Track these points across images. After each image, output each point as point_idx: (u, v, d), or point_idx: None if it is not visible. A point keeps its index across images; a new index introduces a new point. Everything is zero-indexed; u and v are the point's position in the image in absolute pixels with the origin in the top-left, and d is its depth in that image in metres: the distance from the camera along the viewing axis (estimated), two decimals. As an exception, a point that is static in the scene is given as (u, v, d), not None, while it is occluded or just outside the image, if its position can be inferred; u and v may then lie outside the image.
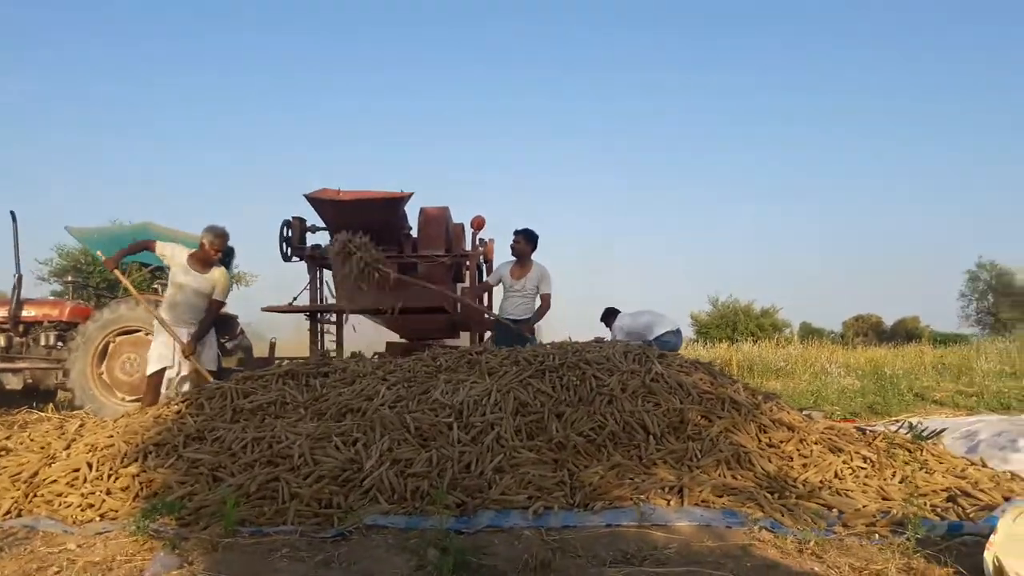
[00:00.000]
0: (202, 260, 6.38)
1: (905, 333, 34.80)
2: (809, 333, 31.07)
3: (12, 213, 8.88)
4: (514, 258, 7.30)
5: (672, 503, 3.75)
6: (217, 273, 6.46)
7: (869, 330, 38.24)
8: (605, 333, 7.92)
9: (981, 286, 41.83)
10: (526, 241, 7.24)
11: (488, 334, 8.50)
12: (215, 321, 7.43)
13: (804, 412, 5.90)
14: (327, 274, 8.24)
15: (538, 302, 7.19)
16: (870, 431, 5.14)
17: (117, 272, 6.68)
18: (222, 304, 6.62)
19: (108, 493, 3.95)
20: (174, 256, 6.38)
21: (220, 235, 6.36)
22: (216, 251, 6.37)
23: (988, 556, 2.84)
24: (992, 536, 2.91)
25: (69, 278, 12.37)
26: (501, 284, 7.43)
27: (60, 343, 8.85)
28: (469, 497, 3.78)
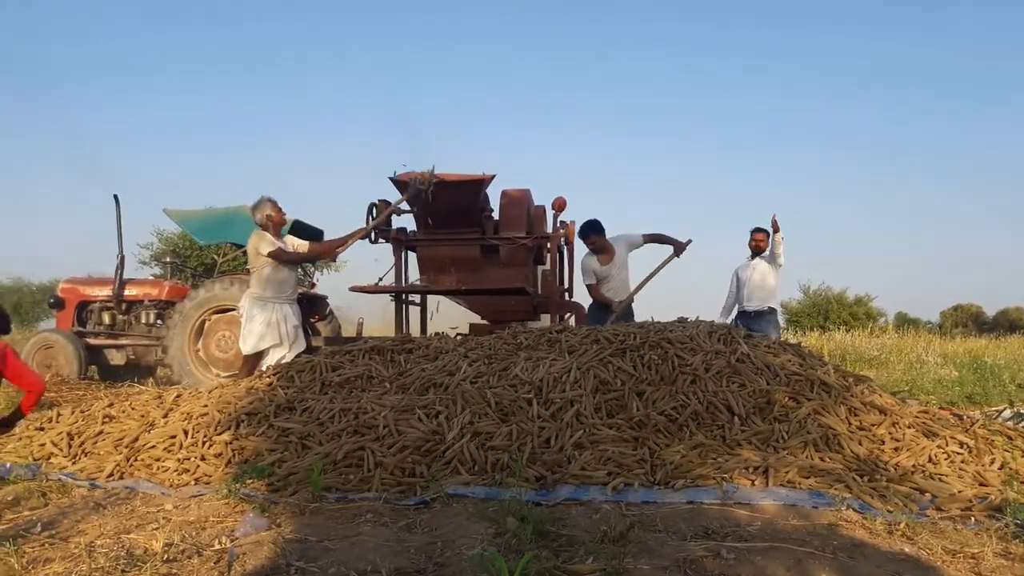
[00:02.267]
0: (276, 232, 6.63)
1: (1008, 324, 33.09)
2: (905, 323, 29.87)
3: (115, 197, 9.34)
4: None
5: (756, 483, 3.67)
6: (294, 241, 6.80)
7: (969, 320, 36.53)
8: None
9: (1093, 273, 39.42)
10: (593, 234, 7.54)
11: (569, 316, 8.49)
12: (305, 300, 7.69)
13: (898, 397, 5.68)
14: (412, 256, 8.35)
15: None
16: (968, 417, 4.92)
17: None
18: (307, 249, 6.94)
19: (202, 459, 4.12)
20: (266, 243, 6.55)
21: (272, 200, 6.60)
22: (281, 213, 6.66)
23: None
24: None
25: (168, 260, 12.91)
26: (597, 277, 7.63)
27: (159, 321, 9.29)
28: (548, 471, 3.79)
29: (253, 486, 3.59)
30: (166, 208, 9.48)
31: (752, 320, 8.01)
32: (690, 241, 7.69)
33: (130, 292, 9.51)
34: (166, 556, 2.65)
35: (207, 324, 8.61)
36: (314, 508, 3.32)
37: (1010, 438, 4.39)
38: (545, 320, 8.60)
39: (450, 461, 3.88)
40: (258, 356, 6.51)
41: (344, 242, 6.97)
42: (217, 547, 2.77)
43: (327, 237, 9.92)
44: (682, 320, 5.84)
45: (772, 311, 8.15)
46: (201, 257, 20.48)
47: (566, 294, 8.87)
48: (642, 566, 2.53)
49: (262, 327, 6.43)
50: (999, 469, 3.92)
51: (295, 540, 2.82)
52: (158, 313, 9.40)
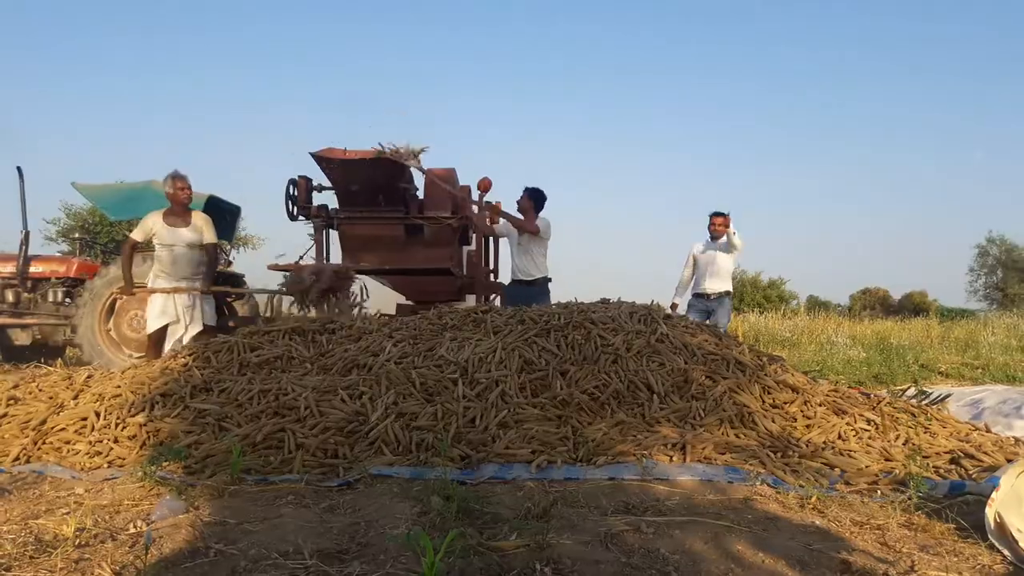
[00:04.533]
0: (177, 212, 6.40)
1: (912, 307, 34.73)
2: (816, 305, 30.96)
3: (18, 168, 8.90)
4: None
5: (675, 459, 3.76)
6: (197, 217, 6.50)
7: (876, 303, 38.19)
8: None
9: (990, 261, 41.68)
10: (528, 198, 7.36)
11: (494, 297, 8.51)
12: (221, 278, 7.47)
13: (809, 376, 5.90)
14: (333, 234, 8.22)
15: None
16: (875, 396, 5.14)
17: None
18: (216, 245, 6.65)
19: (115, 441, 3.98)
20: (152, 225, 6.34)
21: (178, 176, 6.35)
22: (183, 190, 6.38)
23: (989, 512, 2.85)
24: (994, 493, 2.92)
25: (76, 235, 12.38)
26: (509, 238, 7.50)
27: (68, 299, 8.91)
28: (473, 450, 3.80)
29: (169, 468, 3.48)
30: (75, 182, 9.07)
31: (711, 302, 8.19)
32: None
33: (36, 269, 9.07)
34: (78, 541, 2.55)
35: (118, 303, 8.30)
36: (233, 490, 3.24)
37: (914, 415, 4.61)
38: (471, 301, 8.60)
39: (374, 442, 3.84)
40: (161, 334, 6.35)
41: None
42: (132, 531, 2.68)
43: (243, 214, 9.69)
44: (605, 301, 5.93)
45: (728, 294, 8.32)
46: (112, 233, 19.68)
47: (491, 275, 8.89)
48: (565, 541, 2.57)
49: (158, 305, 6.30)
50: (903, 445, 4.11)
51: (214, 523, 2.75)
52: (66, 291, 9.01)
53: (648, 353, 4.74)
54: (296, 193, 8.04)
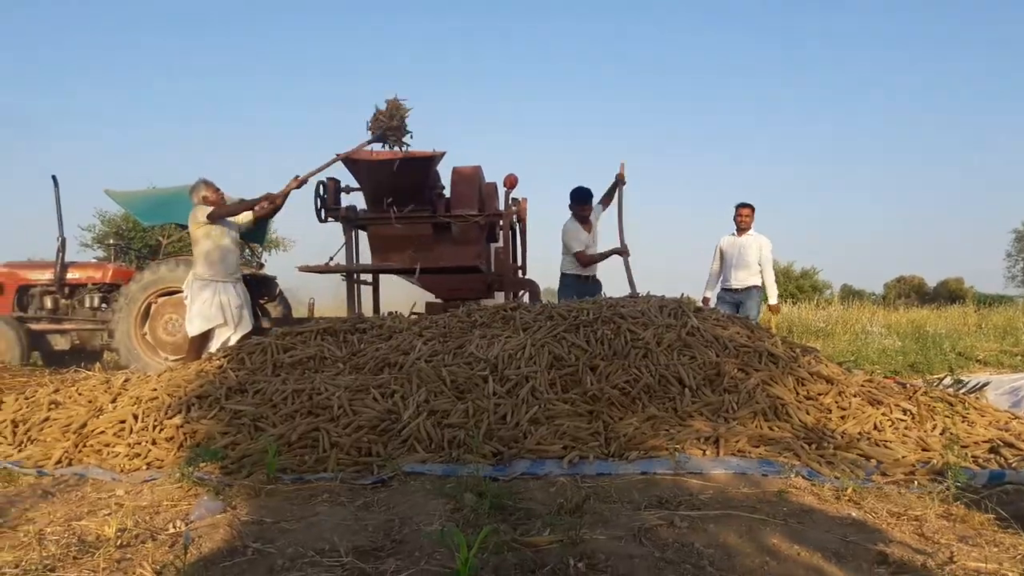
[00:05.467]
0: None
1: (948, 294, 34.14)
2: (850, 295, 30.59)
3: (53, 177, 9.06)
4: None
5: (708, 453, 3.75)
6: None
7: (911, 292, 37.61)
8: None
9: (1029, 245, 40.85)
10: (586, 203, 7.65)
11: (523, 293, 8.51)
12: (254, 281, 7.58)
13: (844, 367, 5.83)
14: (363, 234, 8.28)
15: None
16: (910, 385, 5.07)
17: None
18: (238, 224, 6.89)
19: (153, 443, 4.05)
20: (200, 221, 6.49)
21: (209, 182, 6.61)
22: (217, 193, 6.66)
23: (1031, 502, 2.81)
24: (1035, 482, 2.87)
25: (111, 242, 12.58)
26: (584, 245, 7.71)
27: (104, 304, 9.07)
28: (505, 447, 3.82)
29: (206, 469, 3.55)
30: (107, 189, 9.23)
31: (739, 295, 8.16)
32: (623, 163, 7.92)
33: (72, 275, 9.26)
34: (119, 541, 2.60)
35: (153, 307, 8.44)
36: (269, 490, 3.29)
37: (950, 404, 4.53)
38: (499, 298, 8.61)
39: (406, 440, 3.87)
40: (204, 338, 6.43)
41: (283, 194, 6.90)
42: (172, 531, 2.73)
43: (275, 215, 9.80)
44: (634, 295, 5.92)
45: (757, 287, 8.28)
46: (145, 239, 19.99)
47: (520, 271, 8.89)
48: (598, 536, 2.57)
49: (207, 308, 6.38)
50: (940, 434, 4.05)
51: (251, 522, 2.80)
52: (103, 296, 9.17)
53: (679, 347, 4.71)
54: (325, 195, 8.11)
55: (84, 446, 4.12)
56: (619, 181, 7.84)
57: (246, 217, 6.79)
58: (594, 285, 7.64)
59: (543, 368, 4.49)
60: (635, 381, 4.40)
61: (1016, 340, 12.16)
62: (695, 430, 3.92)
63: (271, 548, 2.49)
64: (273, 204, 7.04)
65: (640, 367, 4.50)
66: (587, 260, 7.62)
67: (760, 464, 3.57)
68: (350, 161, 7.49)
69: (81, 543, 2.59)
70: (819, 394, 4.43)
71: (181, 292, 7.93)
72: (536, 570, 2.33)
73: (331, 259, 8.12)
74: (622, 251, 7.62)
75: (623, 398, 4.28)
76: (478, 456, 3.61)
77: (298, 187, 6.98)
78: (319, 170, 7.32)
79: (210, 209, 6.43)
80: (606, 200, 7.88)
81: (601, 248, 7.77)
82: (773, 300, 8.17)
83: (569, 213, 7.72)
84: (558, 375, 4.46)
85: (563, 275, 7.76)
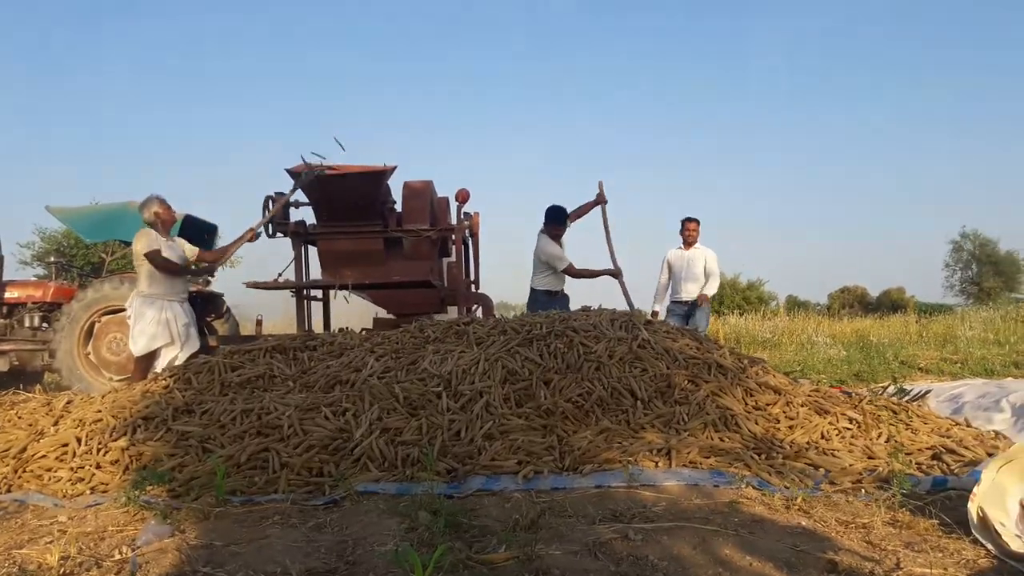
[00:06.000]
0: (164, 230, 6.47)
1: (891, 304, 35.06)
2: (795, 306, 31.21)
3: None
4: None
5: (660, 465, 3.78)
6: (179, 240, 6.67)
7: (855, 302, 38.55)
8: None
9: (965, 256, 42.25)
10: (561, 223, 7.67)
11: (476, 308, 8.50)
12: (200, 298, 7.45)
13: (791, 377, 5.95)
14: (312, 250, 8.19)
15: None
16: (856, 394, 5.19)
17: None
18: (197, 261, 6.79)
19: (98, 467, 3.94)
20: (155, 238, 6.34)
21: (163, 200, 6.44)
22: (170, 210, 6.50)
23: (972, 507, 2.88)
24: (976, 488, 2.95)
25: (52, 259, 12.23)
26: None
27: (45, 324, 8.81)
28: (459, 463, 3.80)
29: (153, 493, 3.46)
30: (48, 205, 8.99)
31: (689, 308, 8.26)
32: (601, 183, 8.02)
33: (11, 294, 8.96)
34: (63, 570, 2.52)
35: (97, 326, 8.23)
36: (219, 512, 3.21)
37: (895, 412, 4.65)
38: (452, 312, 8.59)
39: (359, 458, 3.83)
40: (150, 357, 6.28)
41: (234, 246, 6.83)
42: (118, 557, 2.65)
43: (220, 232, 9.65)
44: (585, 308, 5.96)
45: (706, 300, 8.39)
46: (88, 256, 19.48)
47: (472, 286, 8.88)
48: (553, 551, 2.57)
49: (151, 326, 6.21)
50: (886, 442, 4.15)
51: (200, 546, 2.73)
52: (43, 316, 8.90)
53: (630, 359, 4.76)
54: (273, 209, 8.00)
55: (24, 471, 3.97)
56: (600, 201, 7.96)
57: (192, 254, 6.65)
58: (563, 299, 7.67)
59: (497, 383, 4.49)
60: (588, 394, 4.42)
61: (955, 348, 12.52)
62: (647, 442, 3.96)
63: (221, 572, 2.44)
64: (223, 259, 7.04)
65: (593, 380, 4.53)
66: (577, 273, 7.66)
67: (712, 475, 3.62)
68: (298, 175, 7.41)
69: (22, 572, 2.50)
70: (767, 404, 4.51)
71: (125, 310, 7.76)
72: (492, 587, 2.32)
73: (280, 275, 8.01)
74: (615, 272, 7.69)
75: (577, 411, 4.30)
76: (432, 474, 3.59)
77: (251, 240, 6.88)
78: (271, 216, 7.30)
79: (152, 246, 6.25)
80: (574, 215, 7.94)
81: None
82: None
83: (539, 230, 7.75)
84: (512, 389, 4.46)
85: (533, 290, 7.77)
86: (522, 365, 4.68)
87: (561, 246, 7.71)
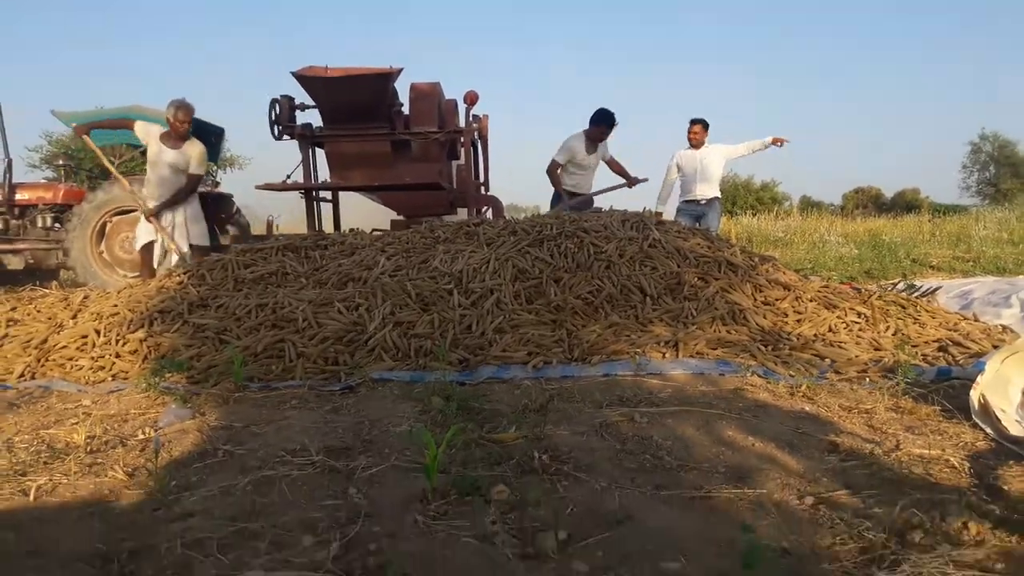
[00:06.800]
0: (174, 136, 6.39)
1: (905, 204, 34.67)
2: (809, 206, 30.96)
3: (-5, 95, 8.69)
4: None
5: (667, 356, 3.84)
6: (190, 146, 6.47)
7: (869, 202, 38.14)
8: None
9: (983, 157, 41.54)
10: (606, 125, 7.65)
11: (486, 210, 8.47)
12: (210, 199, 7.44)
13: (801, 274, 5.96)
14: (320, 152, 8.13)
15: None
16: (865, 290, 5.21)
17: (86, 139, 6.62)
18: (198, 178, 6.63)
19: (117, 356, 4.04)
20: (149, 134, 6.40)
21: (182, 107, 6.32)
22: (182, 123, 6.35)
23: (974, 394, 2.93)
24: (979, 376, 3.00)
25: (60, 162, 12.18)
26: (572, 160, 7.71)
27: (57, 224, 8.88)
28: (470, 355, 3.88)
29: (173, 379, 3.55)
30: (54, 109, 8.91)
31: (701, 207, 8.22)
32: (645, 179, 8.05)
33: (22, 196, 9.00)
34: (89, 447, 2.62)
35: (108, 226, 8.30)
36: (237, 397, 3.32)
37: (903, 307, 4.68)
38: (462, 214, 8.58)
39: (373, 349, 3.91)
40: (148, 252, 6.42)
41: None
42: (141, 437, 2.75)
43: (228, 135, 9.57)
44: (596, 210, 5.94)
45: (718, 199, 8.37)
46: (95, 159, 19.38)
47: (482, 188, 8.84)
48: (561, 431, 2.65)
49: (143, 223, 6.37)
50: (892, 335, 4.20)
51: (220, 427, 2.83)
52: (55, 216, 8.96)
53: (641, 258, 4.77)
54: (280, 112, 7.90)
55: (47, 360, 4.08)
56: (629, 183, 8.00)
57: (198, 164, 6.54)
58: (586, 201, 7.66)
59: (507, 281, 4.52)
60: (598, 291, 4.45)
61: (968, 247, 12.46)
62: (655, 335, 4.01)
63: (242, 450, 2.53)
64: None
65: (603, 278, 4.55)
66: (553, 173, 7.62)
67: (717, 364, 3.69)
68: (304, 78, 7.30)
69: (51, 450, 2.60)
70: (776, 299, 4.54)
71: (135, 210, 7.78)
72: (502, 463, 2.41)
73: (288, 177, 7.98)
74: (584, 201, 7.70)
75: (586, 307, 4.34)
76: (444, 363, 3.67)
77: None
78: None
79: (153, 139, 6.28)
80: (616, 167, 7.96)
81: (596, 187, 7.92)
82: (769, 138, 8.10)
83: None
84: (522, 287, 4.50)
85: (555, 192, 7.78)
86: (532, 264, 4.70)
87: (594, 154, 7.70)
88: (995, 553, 1.80)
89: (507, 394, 3.27)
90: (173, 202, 6.45)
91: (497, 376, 3.60)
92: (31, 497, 2.17)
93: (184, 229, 6.49)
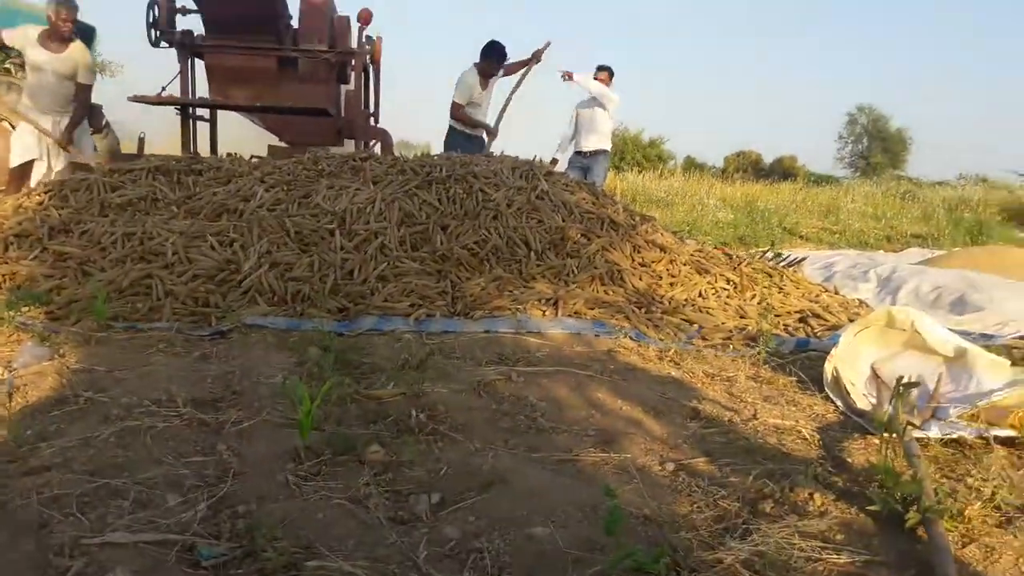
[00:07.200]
0: (55, 37, 5.73)
1: (782, 171, 36.17)
2: (692, 167, 31.82)
3: None
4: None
5: (548, 314, 3.92)
6: (75, 50, 5.82)
7: (749, 166, 39.55)
8: None
9: (858, 129, 43.78)
10: (497, 59, 7.38)
11: (374, 144, 8.25)
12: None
13: (678, 236, 6.16)
14: (200, 64, 7.63)
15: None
16: (736, 256, 5.45)
17: None
18: (89, 87, 6.05)
19: (-33, 285, 3.75)
20: (26, 36, 5.70)
21: (64, 3, 5.64)
22: (65, 21, 5.67)
23: (828, 367, 3.15)
24: (834, 350, 3.22)
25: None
26: (471, 99, 7.42)
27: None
28: (351, 303, 3.82)
29: (30, 314, 3.33)
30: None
31: (587, 159, 8.27)
32: (548, 43, 7.72)
33: None
34: (-73, 392, 2.44)
35: (-41, 132, 7.58)
36: (100, 338, 3.14)
37: (770, 275, 4.93)
38: (349, 146, 8.31)
39: (247, 291, 3.78)
40: (24, 170, 5.86)
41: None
42: (-8, 379, 2.58)
43: (100, 36, 8.86)
44: (488, 154, 5.90)
45: (604, 152, 8.41)
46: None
47: (372, 119, 8.57)
48: (440, 389, 2.68)
49: (24, 136, 5.78)
50: (758, 304, 4.42)
51: (82, 370, 2.69)
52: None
53: (528, 210, 4.79)
54: (158, 15, 7.34)
55: None
56: (534, 59, 7.66)
57: (84, 71, 5.96)
58: (479, 142, 7.51)
59: (393, 224, 4.45)
60: (484, 242, 4.45)
61: (836, 219, 13.21)
62: (537, 292, 4.08)
63: (104, 397, 2.42)
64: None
65: (490, 228, 4.55)
66: (459, 114, 7.42)
67: (594, 325, 3.79)
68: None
69: None
70: (653, 261, 4.68)
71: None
72: (378, 420, 2.41)
73: (163, 89, 7.49)
74: (491, 131, 7.53)
75: (472, 259, 4.34)
76: (323, 311, 3.61)
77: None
78: None
79: (31, 43, 5.64)
80: (511, 69, 7.65)
81: (490, 117, 7.68)
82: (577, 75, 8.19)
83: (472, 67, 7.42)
84: (408, 232, 4.44)
85: (450, 128, 7.55)
86: (419, 208, 4.64)
87: (485, 88, 7.47)
88: (836, 524, 1.96)
89: (387, 347, 3.26)
90: (79, 120, 5.97)
91: (378, 328, 3.57)
92: None
93: (58, 149, 5.98)
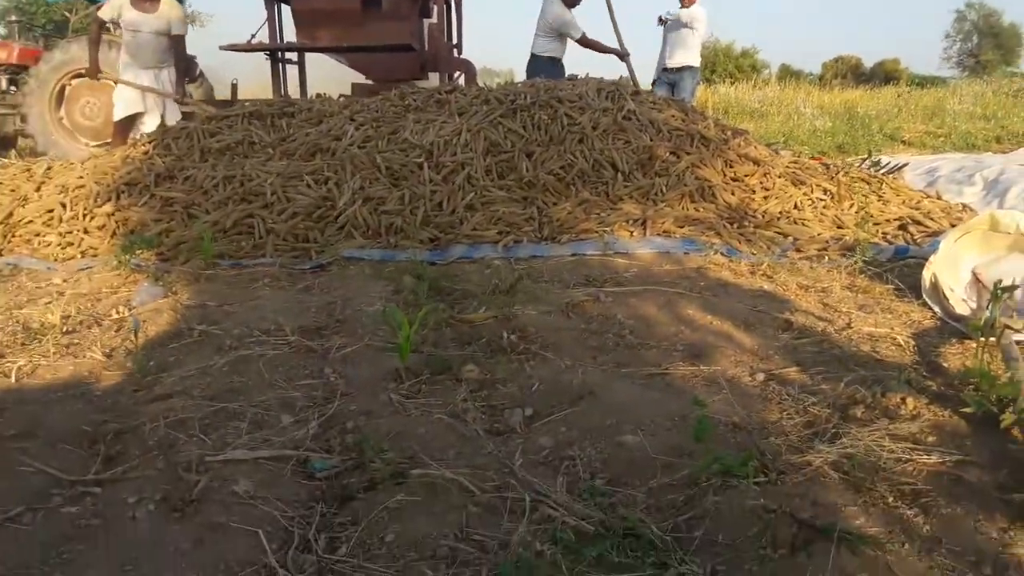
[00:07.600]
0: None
1: (884, 75, 34.21)
2: (788, 75, 30.43)
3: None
4: None
5: (635, 234, 3.91)
6: (167, 6, 6.03)
7: (848, 72, 37.53)
8: None
9: (967, 26, 40.84)
10: None
11: (459, 76, 8.24)
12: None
13: (772, 148, 5.97)
14: (286, 10, 7.76)
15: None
16: (833, 166, 5.25)
17: None
18: (183, 38, 6.27)
19: (85, 232, 4.02)
20: (121, 5, 5.94)
21: None
22: None
23: (926, 273, 3.05)
24: (932, 256, 3.10)
25: (13, 19, 11.55)
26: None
27: (13, 87, 8.52)
28: (441, 233, 3.91)
29: (143, 256, 3.56)
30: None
31: (674, 75, 8.09)
32: (627, 54, 7.53)
33: (-28, 56, 8.58)
34: (65, 328, 2.66)
35: (68, 90, 7.97)
36: (209, 275, 3.35)
37: (868, 184, 4.74)
38: (434, 80, 8.32)
39: (343, 226, 3.92)
40: (129, 122, 6.15)
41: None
42: (116, 316, 2.80)
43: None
44: (572, 78, 5.81)
45: (691, 68, 8.18)
46: (49, 14, 18.36)
47: (455, 51, 8.54)
48: (529, 311, 2.74)
49: (127, 91, 6.05)
50: (856, 212, 4.28)
51: (194, 305, 2.88)
52: (10, 79, 8.58)
53: (614, 131, 4.72)
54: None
55: (13, 236, 4.05)
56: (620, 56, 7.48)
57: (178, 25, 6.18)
58: (562, 68, 7.43)
59: (479, 154, 4.48)
60: (570, 167, 4.44)
61: (942, 122, 12.44)
62: (625, 212, 4.06)
63: (217, 330, 2.59)
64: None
65: (575, 152, 4.53)
66: (588, 43, 7.30)
67: (683, 243, 3.77)
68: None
69: (26, 330, 2.63)
70: (746, 175, 4.57)
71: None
72: (472, 342, 2.50)
73: (253, 36, 7.66)
74: (622, 53, 7.39)
75: (558, 184, 4.35)
76: (415, 241, 3.71)
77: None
78: None
79: (126, 7, 5.85)
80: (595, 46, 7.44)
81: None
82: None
83: None
84: (494, 161, 4.47)
85: (536, 56, 7.44)
86: (504, 137, 4.65)
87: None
88: (928, 426, 1.94)
89: (477, 274, 3.34)
90: (183, 72, 6.31)
91: (468, 256, 3.65)
92: (12, 379, 2.23)
93: (165, 101, 6.25)
